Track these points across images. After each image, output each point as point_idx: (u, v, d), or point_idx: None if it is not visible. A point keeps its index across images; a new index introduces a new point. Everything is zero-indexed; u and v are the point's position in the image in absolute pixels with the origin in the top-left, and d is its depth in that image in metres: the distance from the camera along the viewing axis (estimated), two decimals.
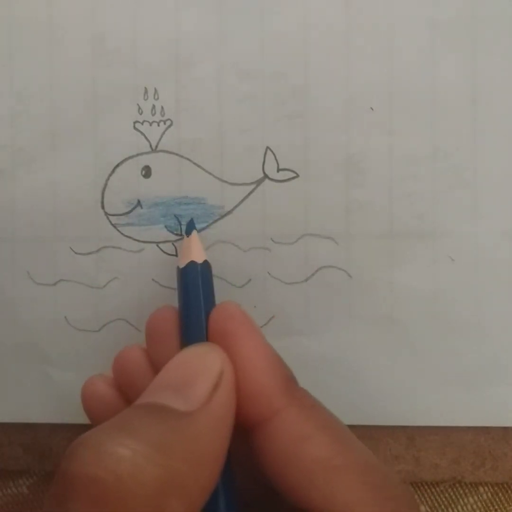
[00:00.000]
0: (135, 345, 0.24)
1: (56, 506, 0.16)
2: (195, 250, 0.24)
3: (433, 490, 0.27)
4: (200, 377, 0.19)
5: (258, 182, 0.26)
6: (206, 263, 0.23)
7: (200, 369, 0.19)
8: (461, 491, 0.27)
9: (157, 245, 0.26)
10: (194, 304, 0.22)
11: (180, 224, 0.26)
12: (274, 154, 0.26)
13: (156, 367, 0.23)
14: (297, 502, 0.19)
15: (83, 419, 0.27)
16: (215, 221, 0.26)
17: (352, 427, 0.21)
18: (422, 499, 0.27)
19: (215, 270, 0.25)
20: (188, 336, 0.22)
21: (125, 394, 0.24)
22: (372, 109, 0.25)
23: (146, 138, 0.26)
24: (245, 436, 0.20)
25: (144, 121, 0.26)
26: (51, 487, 0.17)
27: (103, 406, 0.24)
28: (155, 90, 0.26)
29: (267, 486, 0.21)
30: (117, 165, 0.26)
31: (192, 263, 0.23)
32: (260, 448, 0.20)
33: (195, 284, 0.23)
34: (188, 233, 0.25)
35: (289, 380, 0.21)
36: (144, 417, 0.18)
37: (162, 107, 0.26)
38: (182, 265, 0.23)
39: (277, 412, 0.20)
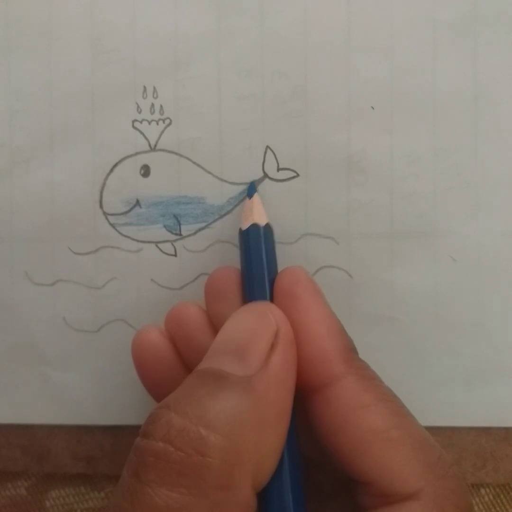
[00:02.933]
0: (191, 302, 0.24)
1: (131, 477, 0.17)
2: (257, 213, 0.23)
3: None
4: (255, 339, 0.19)
5: (258, 182, 0.26)
6: (268, 226, 0.23)
7: (255, 330, 0.19)
8: None
9: (156, 245, 0.26)
10: (257, 266, 0.22)
11: (179, 224, 0.26)
12: (274, 153, 0.25)
13: (215, 325, 0.23)
14: (349, 470, 0.19)
15: (81, 420, 0.27)
16: (215, 220, 0.26)
17: None
18: None
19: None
20: (251, 297, 0.22)
21: (178, 348, 0.24)
22: (373, 108, 0.25)
23: (145, 137, 0.26)
24: (301, 400, 0.20)
25: (143, 120, 0.26)
26: (127, 460, 0.18)
27: (154, 357, 0.23)
28: (154, 88, 0.26)
29: (308, 462, 0.21)
30: (116, 164, 0.26)
31: (255, 225, 0.23)
32: (317, 413, 0.20)
33: (257, 246, 0.23)
34: (250, 195, 0.25)
35: (350, 349, 0.21)
36: (205, 388, 0.18)
37: (161, 106, 0.26)
38: (244, 227, 0.23)
39: (336, 379, 0.20)
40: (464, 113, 0.25)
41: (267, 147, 0.26)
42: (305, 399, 0.20)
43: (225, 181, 0.26)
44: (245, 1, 0.25)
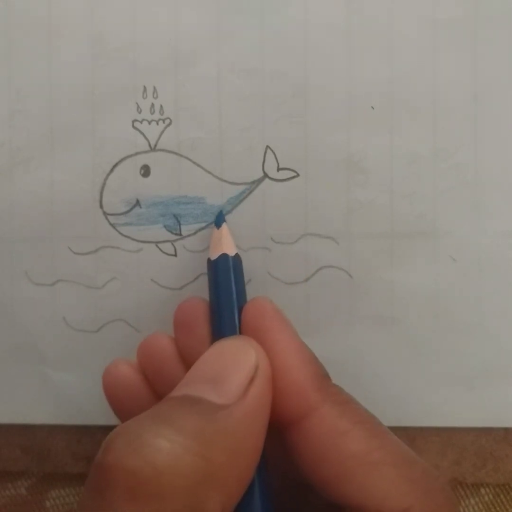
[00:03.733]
0: (161, 333, 0.24)
1: (94, 497, 0.16)
2: (226, 242, 0.24)
3: None
4: (235, 371, 0.19)
5: (258, 182, 0.26)
6: (237, 256, 0.23)
7: (235, 362, 0.19)
8: (462, 493, 0.27)
9: (156, 245, 0.26)
10: (226, 297, 0.22)
11: (179, 224, 0.26)
12: (274, 153, 0.25)
13: (184, 356, 0.23)
14: (333, 497, 0.19)
15: (81, 420, 0.27)
16: None
17: None
18: None
19: None
20: (220, 329, 0.22)
21: (150, 380, 0.24)
22: (373, 108, 0.25)
23: (145, 137, 0.26)
24: (276, 433, 0.20)
25: (143, 119, 0.26)
26: (88, 479, 0.17)
27: (125, 390, 0.23)
28: (154, 88, 0.26)
29: (296, 483, 0.21)
30: (116, 164, 0.26)
31: (224, 256, 0.23)
32: (295, 444, 0.20)
33: (227, 276, 0.23)
34: (218, 225, 0.25)
35: (322, 377, 0.21)
36: (181, 409, 0.18)
37: (161, 106, 0.26)
38: (213, 257, 0.23)
39: (312, 409, 0.20)
40: (464, 112, 0.25)
41: (267, 147, 0.26)
42: (283, 431, 0.20)
43: (225, 181, 0.26)
44: (245, 1, 0.25)
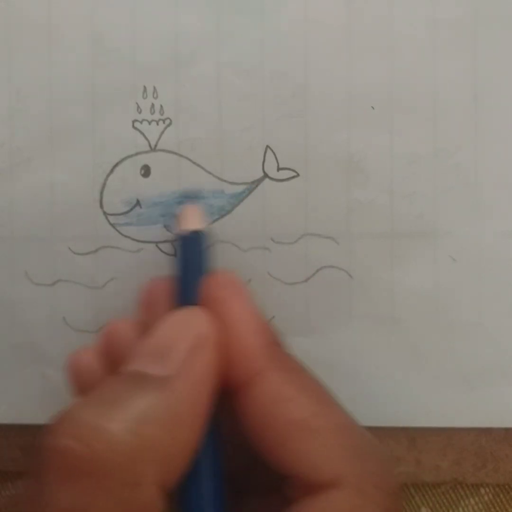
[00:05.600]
0: (122, 318, 0.24)
1: (32, 480, 0.17)
2: (190, 219, 0.23)
3: (434, 491, 0.27)
4: (177, 341, 0.19)
5: (258, 182, 0.26)
6: (200, 232, 0.23)
7: (179, 333, 0.20)
8: (462, 493, 0.27)
9: (156, 245, 0.26)
10: (187, 272, 0.22)
11: None
12: (274, 153, 0.25)
13: None
14: (274, 465, 0.19)
15: None
16: (215, 220, 0.26)
17: None
18: (423, 500, 0.27)
19: None
20: (180, 303, 0.22)
21: (115, 365, 0.23)
22: (373, 108, 0.25)
23: (145, 137, 0.26)
24: (233, 399, 0.20)
25: (143, 120, 0.26)
26: (31, 463, 0.17)
27: (89, 378, 0.23)
28: (154, 88, 0.26)
29: (252, 458, 0.21)
30: (116, 165, 0.26)
31: (186, 231, 0.23)
32: (241, 411, 0.20)
33: (188, 252, 0.23)
34: (187, 201, 0.25)
35: (272, 343, 0.21)
36: (121, 387, 0.18)
37: (161, 106, 0.26)
38: (176, 233, 0.23)
39: (259, 374, 0.20)
40: (464, 113, 0.25)
41: (267, 147, 0.26)
42: (233, 398, 0.20)
43: (225, 181, 0.26)
44: (245, 1, 0.25)
